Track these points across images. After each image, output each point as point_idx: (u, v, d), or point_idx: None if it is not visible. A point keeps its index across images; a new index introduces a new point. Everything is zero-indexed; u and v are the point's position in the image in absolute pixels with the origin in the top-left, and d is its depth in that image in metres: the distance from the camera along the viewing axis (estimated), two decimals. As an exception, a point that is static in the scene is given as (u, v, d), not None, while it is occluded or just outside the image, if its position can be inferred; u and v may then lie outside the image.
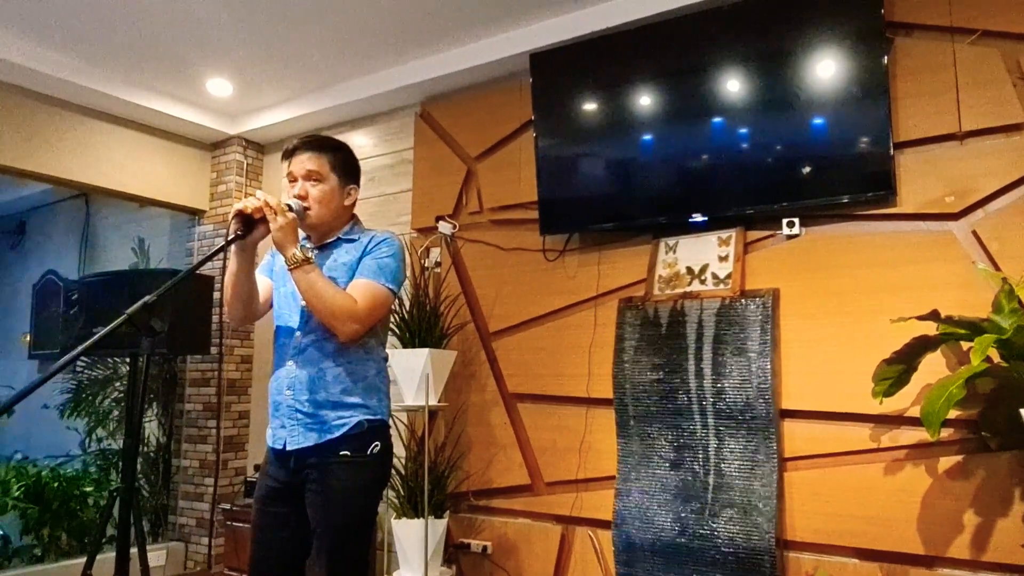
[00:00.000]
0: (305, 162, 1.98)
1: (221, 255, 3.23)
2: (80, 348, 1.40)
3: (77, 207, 5.71)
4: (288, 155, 2.02)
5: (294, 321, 1.97)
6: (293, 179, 1.99)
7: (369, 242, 2.00)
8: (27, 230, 6.21)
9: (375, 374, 1.99)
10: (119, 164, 3.97)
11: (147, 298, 1.52)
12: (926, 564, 2.28)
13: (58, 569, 3.65)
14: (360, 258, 1.98)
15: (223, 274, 3.97)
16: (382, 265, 1.96)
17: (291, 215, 1.83)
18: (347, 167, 2.05)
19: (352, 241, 2.04)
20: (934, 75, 2.44)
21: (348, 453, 1.89)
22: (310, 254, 1.86)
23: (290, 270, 1.84)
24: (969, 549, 2.21)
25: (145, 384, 1.85)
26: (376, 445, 1.94)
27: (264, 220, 1.80)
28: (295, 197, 1.95)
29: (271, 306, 2.08)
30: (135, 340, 1.56)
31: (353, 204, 2.08)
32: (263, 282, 2.08)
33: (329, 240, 2.04)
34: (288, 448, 1.91)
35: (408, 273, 2.18)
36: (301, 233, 1.93)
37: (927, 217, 2.42)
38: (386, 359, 2.08)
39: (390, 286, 1.96)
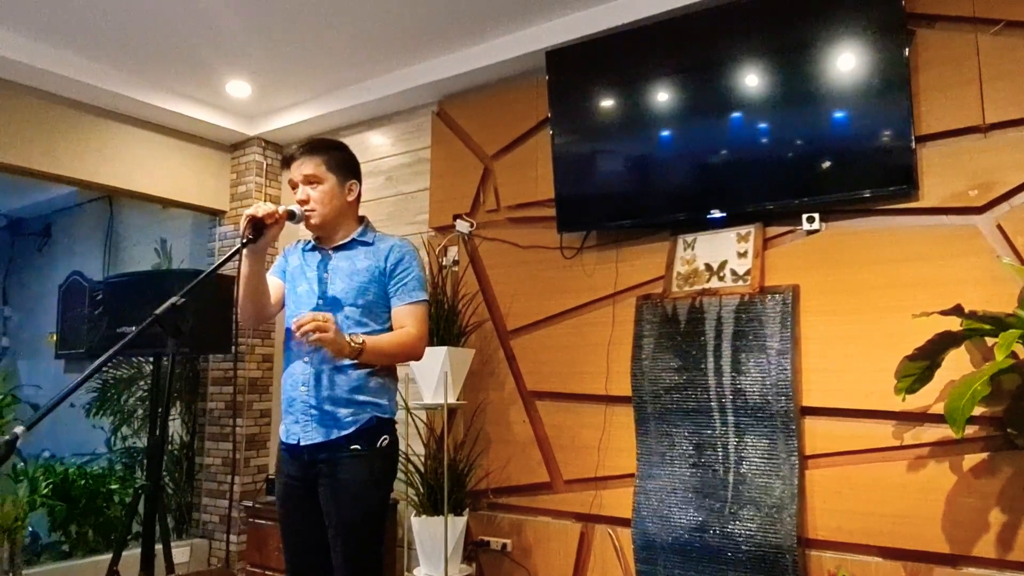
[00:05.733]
0: (302, 167, 2.04)
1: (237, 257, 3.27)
2: (108, 353, 1.43)
3: (101, 209, 5.80)
4: (286, 163, 2.09)
5: None
6: (294, 185, 2.06)
7: (388, 254, 2.06)
8: (52, 232, 6.32)
9: (385, 372, 2.06)
10: (141, 166, 4.02)
11: (174, 299, 1.55)
12: (951, 563, 2.25)
13: (85, 565, 3.72)
14: (384, 271, 2.04)
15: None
16: (417, 281, 2.07)
17: (335, 330, 1.83)
18: (344, 164, 2.09)
19: (367, 244, 2.09)
20: (957, 67, 2.40)
21: (358, 447, 1.95)
22: (359, 339, 1.90)
23: (357, 363, 1.94)
24: (995, 548, 2.18)
25: (170, 383, 1.89)
26: (385, 438, 2.01)
27: (274, 224, 1.87)
28: (297, 202, 2.02)
29: (283, 306, 2.13)
30: (159, 340, 1.59)
31: (357, 199, 2.12)
32: (275, 283, 2.12)
33: (344, 242, 2.08)
34: (301, 443, 1.96)
35: (425, 273, 2.27)
36: (314, 233, 2.01)
37: (950, 211, 2.39)
38: None
39: (426, 298, 2.11)
